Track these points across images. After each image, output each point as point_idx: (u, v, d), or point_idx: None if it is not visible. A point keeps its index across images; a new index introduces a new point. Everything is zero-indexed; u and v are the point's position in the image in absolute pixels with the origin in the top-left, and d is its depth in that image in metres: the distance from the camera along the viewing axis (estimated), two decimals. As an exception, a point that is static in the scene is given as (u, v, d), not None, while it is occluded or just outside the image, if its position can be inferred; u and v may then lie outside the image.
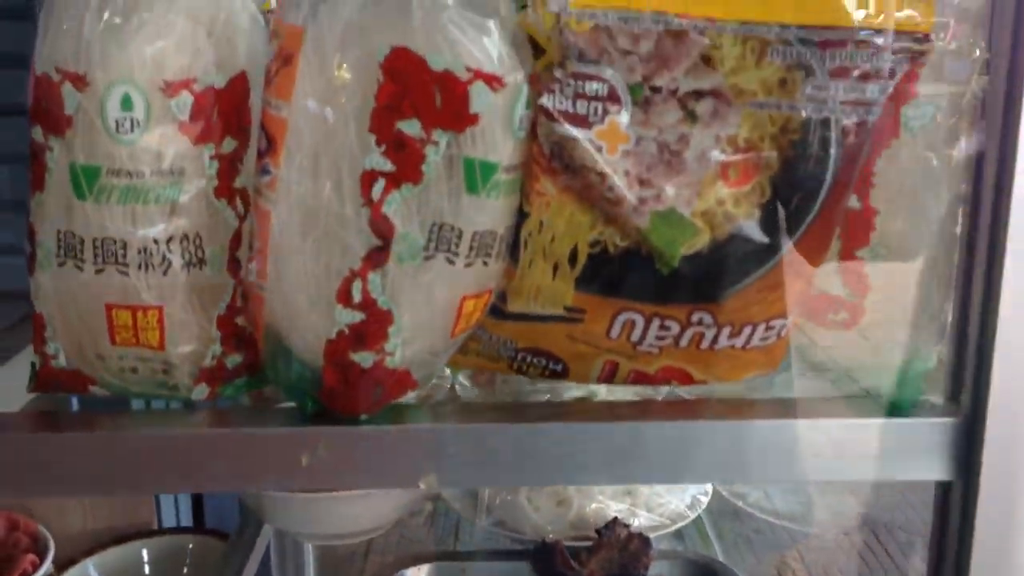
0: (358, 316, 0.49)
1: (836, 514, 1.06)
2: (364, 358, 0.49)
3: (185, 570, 1.41)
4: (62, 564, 1.34)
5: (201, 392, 0.53)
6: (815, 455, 0.51)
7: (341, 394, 0.50)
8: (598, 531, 0.96)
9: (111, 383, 0.52)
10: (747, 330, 0.52)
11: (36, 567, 1.31)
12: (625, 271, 0.51)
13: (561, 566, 0.95)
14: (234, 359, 0.54)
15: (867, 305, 0.52)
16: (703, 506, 1.04)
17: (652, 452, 0.51)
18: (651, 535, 0.96)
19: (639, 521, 1.00)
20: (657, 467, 0.51)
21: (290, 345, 0.51)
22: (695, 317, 0.51)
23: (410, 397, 0.52)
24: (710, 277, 0.50)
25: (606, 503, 1.02)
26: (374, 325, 0.49)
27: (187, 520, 1.64)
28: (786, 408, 0.54)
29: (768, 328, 0.52)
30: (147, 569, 1.42)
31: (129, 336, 0.50)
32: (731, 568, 0.98)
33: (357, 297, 0.49)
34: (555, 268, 0.52)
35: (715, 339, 0.52)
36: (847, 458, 0.51)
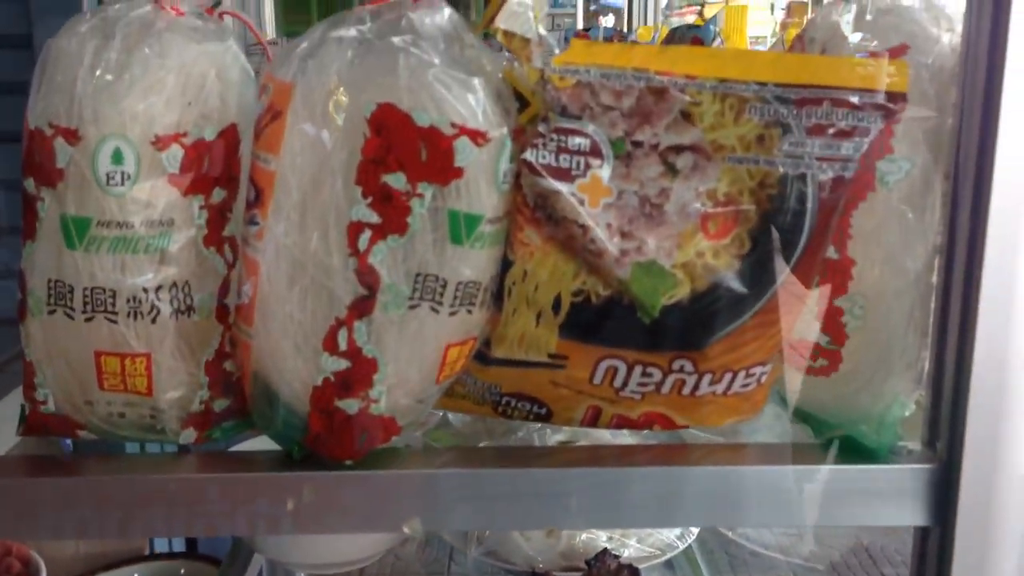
0: (344, 364, 0.50)
1: (826, 544, 1.07)
2: (349, 405, 0.50)
3: (176, 596, 1.41)
4: (54, 591, 1.35)
5: (189, 436, 0.54)
6: (796, 500, 0.52)
7: (327, 440, 0.51)
8: (588, 562, 0.96)
9: (99, 427, 0.53)
10: (728, 377, 0.53)
11: (28, 593, 1.31)
12: (607, 319, 0.52)
13: (550, 597, 0.95)
14: (221, 403, 0.54)
15: (845, 352, 0.53)
16: (693, 536, 1.04)
17: (638, 496, 0.52)
18: (641, 566, 0.97)
19: (629, 552, 1.01)
20: (642, 511, 0.51)
21: (277, 391, 0.51)
22: (676, 364, 0.52)
23: (396, 440, 0.52)
24: (691, 326, 0.51)
25: (596, 533, 1.03)
26: (360, 372, 0.50)
27: (180, 545, 1.64)
28: (768, 453, 0.55)
29: (748, 375, 0.53)
30: (139, 594, 1.42)
31: (117, 382, 0.51)
32: (720, 599, 0.98)
33: (343, 345, 0.49)
34: (539, 316, 0.53)
35: (696, 386, 0.53)
36: (827, 503, 0.52)
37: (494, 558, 1.02)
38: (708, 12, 4.56)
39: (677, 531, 1.05)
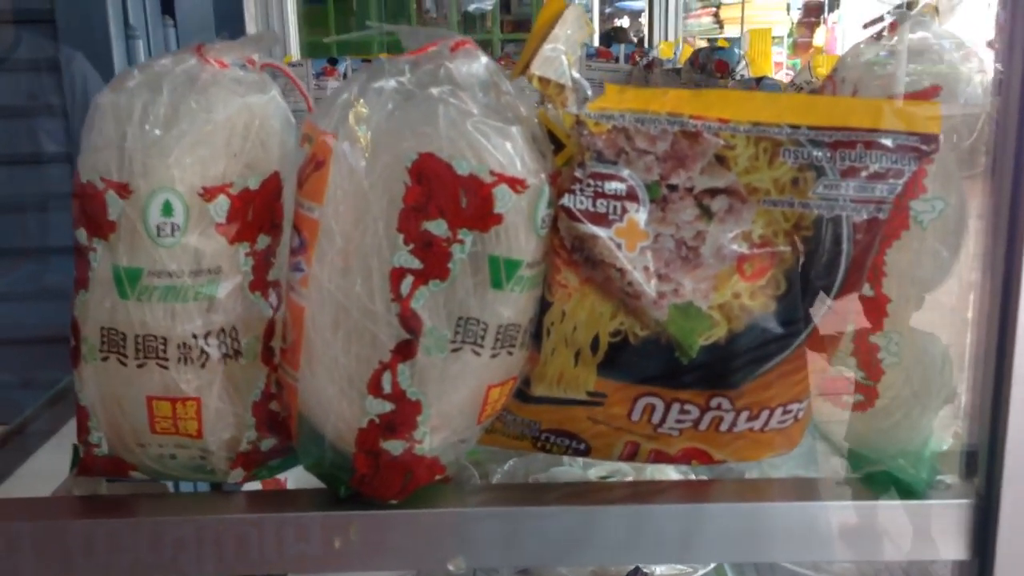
0: (388, 406, 0.51)
1: (853, 567, 1.07)
2: (394, 446, 0.51)
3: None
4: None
5: (237, 476, 0.55)
6: (832, 537, 0.53)
7: (372, 480, 0.52)
8: (619, 581, 0.97)
9: (151, 468, 0.55)
10: (765, 414, 0.53)
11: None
12: (645, 359, 0.53)
13: (583, 616, 0.96)
14: (268, 442, 0.56)
15: (881, 388, 0.54)
16: (723, 553, 1.05)
17: (668, 532, 0.53)
18: (671, 584, 0.97)
19: (660, 569, 1.01)
20: (670, 547, 0.52)
21: (323, 432, 0.53)
22: (714, 402, 0.53)
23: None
24: (728, 365, 0.52)
25: (626, 552, 1.03)
26: (404, 414, 0.51)
27: None
28: (802, 489, 0.55)
29: (786, 412, 0.53)
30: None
31: (169, 426, 0.53)
32: (753, 618, 0.98)
33: (387, 388, 0.51)
34: (577, 355, 0.54)
35: (734, 422, 0.53)
36: (864, 539, 0.53)
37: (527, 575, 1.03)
38: (724, 13, 4.55)
39: (707, 548, 1.05)
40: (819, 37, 4.63)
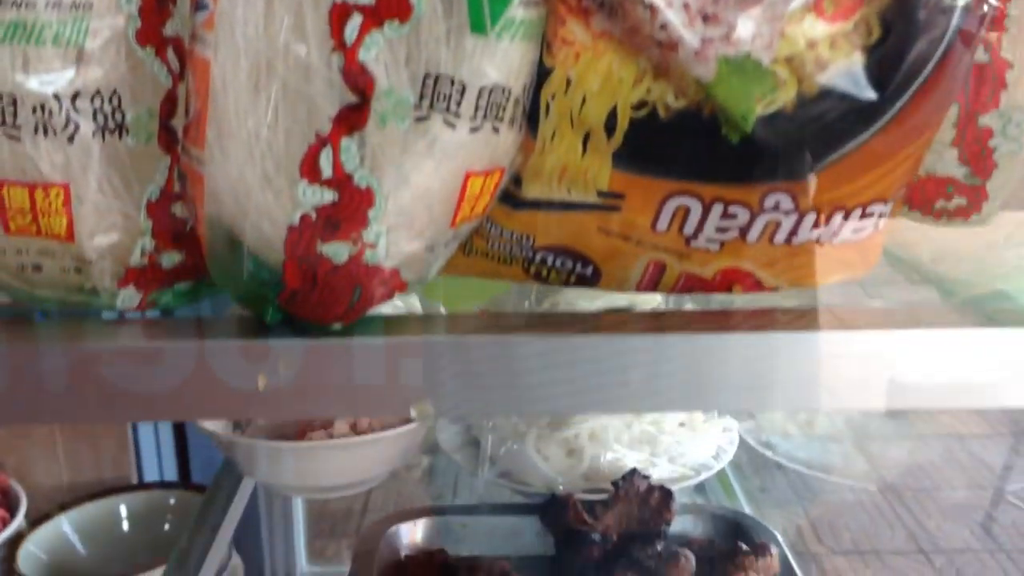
0: (328, 196, 0.37)
1: (878, 463, 0.96)
2: (337, 251, 0.38)
3: (166, 527, 1.32)
4: (35, 520, 1.26)
5: (129, 298, 0.41)
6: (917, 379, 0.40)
7: (308, 298, 0.39)
8: (615, 483, 0.86)
9: (11, 285, 0.41)
10: (837, 218, 0.40)
11: (6, 523, 1.22)
12: (679, 141, 0.39)
13: (574, 521, 0.85)
14: (172, 257, 0.42)
15: (991, 188, 0.40)
16: (729, 456, 0.94)
17: (733, 371, 0.39)
18: (672, 487, 0.86)
19: (659, 472, 0.90)
20: (736, 389, 0.39)
21: (240, 236, 0.39)
22: (770, 200, 0.39)
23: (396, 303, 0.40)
24: (794, 146, 0.38)
25: (623, 452, 0.92)
26: (350, 207, 0.37)
27: (171, 474, 1.55)
28: (875, 317, 0.42)
29: (864, 216, 0.40)
30: (125, 525, 1.32)
31: (27, 223, 0.38)
32: (762, 522, 0.88)
33: (327, 171, 0.37)
34: (586, 139, 0.40)
35: (794, 230, 0.40)
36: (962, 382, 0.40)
37: (509, 480, 0.92)
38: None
39: (712, 450, 0.94)
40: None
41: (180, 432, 1.55)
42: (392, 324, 0.40)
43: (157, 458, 1.55)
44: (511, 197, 0.42)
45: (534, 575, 0.80)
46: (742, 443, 0.98)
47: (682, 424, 0.95)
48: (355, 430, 0.92)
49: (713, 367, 0.39)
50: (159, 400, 0.39)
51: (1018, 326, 0.39)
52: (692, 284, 0.43)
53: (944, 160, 0.41)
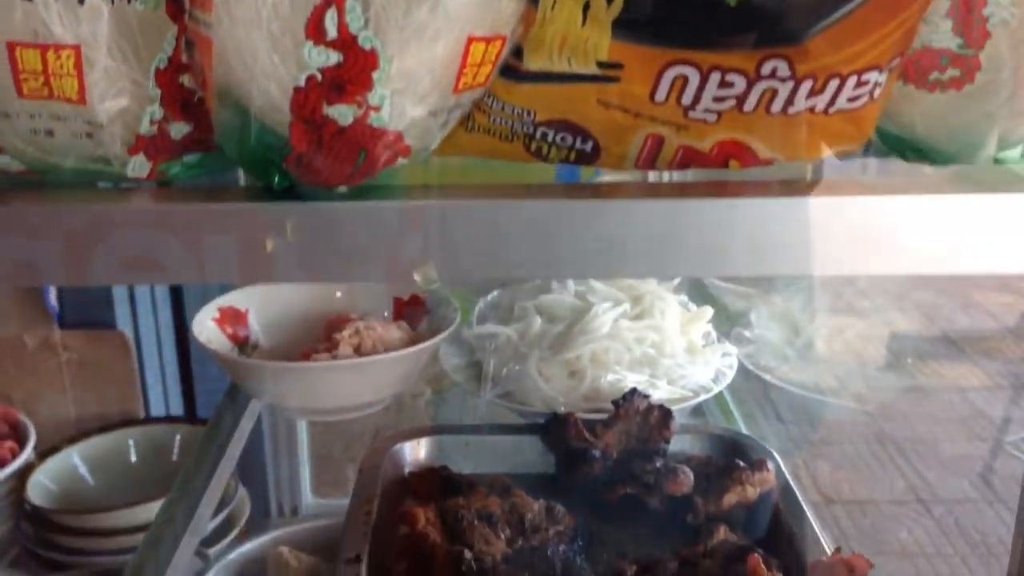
0: (334, 57, 0.38)
1: (874, 384, 0.97)
2: (342, 113, 0.38)
3: (173, 459, 1.34)
4: (44, 452, 1.28)
5: (139, 166, 0.42)
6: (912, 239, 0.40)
7: (314, 160, 0.39)
8: (615, 402, 0.87)
9: (25, 152, 0.41)
10: (833, 85, 0.40)
11: (15, 454, 1.24)
12: (678, 7, 0.39)
13: (575, 440, 0.86)
14: (180, 127, 0.43)
15: (984, 58, 0.41)
16: (728, 379, 0.95)
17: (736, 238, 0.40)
18: (672, 408, 0.88)
19: (659, 393, 0.92)
20: (739, 253, 0.40)
21: (247, 101, 0.40)
22: (767, 67, 0.40)
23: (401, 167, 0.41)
24: (790, 7, 0.39)
25: (623, 374, 0.93)
26: (354, 68, 0.38)
27: (177, 409, 1.58)
28: (863, 186, 0.43)
29: (860, 83, 0.41)
30: (133, 458, 1.35)
31: (39, 85, 0.39)
32: (759, 442, 0.89)
33: (332, 32, 0.37)
34: (586, 8, 0.40)
35: (791, 98, 0.41)
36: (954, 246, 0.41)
37: (509, 400, 0.93)
38: None
39: (711, 373, 0.96)
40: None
41: (186, 368, 1.56)
42: (393, 188, 0.41)
43: (163, 393, 1.57)
44: (512, 70, 0.43)
45: (536, 492, 0.81)
46: (741, 368, 0.99)
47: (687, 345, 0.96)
48: (359, 352, 0.93)
49: (716, 234, 0.40)
50: (167, 262, 0.40)
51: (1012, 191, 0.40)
52: (689, 158, 0.44)
53: (939, 31, 0.41)
